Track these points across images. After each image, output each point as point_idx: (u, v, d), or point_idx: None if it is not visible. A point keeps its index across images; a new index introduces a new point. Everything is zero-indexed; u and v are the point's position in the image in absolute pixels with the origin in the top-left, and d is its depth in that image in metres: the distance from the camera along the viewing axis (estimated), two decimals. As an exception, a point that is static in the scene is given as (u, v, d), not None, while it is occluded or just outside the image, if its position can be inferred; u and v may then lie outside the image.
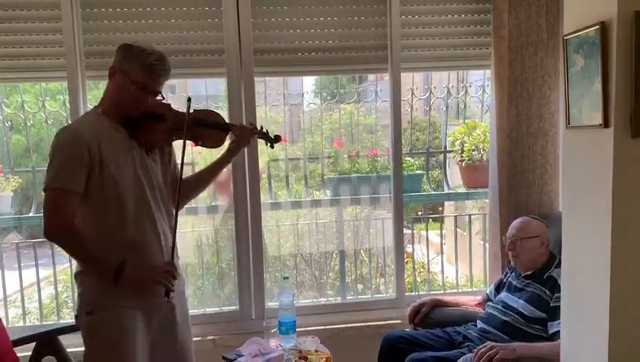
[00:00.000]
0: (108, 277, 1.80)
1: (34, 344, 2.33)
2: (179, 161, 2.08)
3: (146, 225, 1.91)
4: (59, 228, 1.79)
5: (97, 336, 1.87)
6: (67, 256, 3.17)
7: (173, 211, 1.99)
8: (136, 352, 1.88)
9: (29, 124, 3.18)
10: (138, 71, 1.86)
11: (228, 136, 2.19)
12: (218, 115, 2.20)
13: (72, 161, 1.78)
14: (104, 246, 1.84)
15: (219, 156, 2.24)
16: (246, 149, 2.69)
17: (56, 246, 2.01)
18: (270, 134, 2.29)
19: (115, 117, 1.90)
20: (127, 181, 1.87)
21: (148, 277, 1.89)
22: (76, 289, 1.94)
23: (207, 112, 2.19)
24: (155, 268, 1.90)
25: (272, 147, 2.33)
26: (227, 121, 2.27)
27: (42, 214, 1.80)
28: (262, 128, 2.30)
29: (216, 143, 2.15)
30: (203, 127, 2.08)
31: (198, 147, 2.23)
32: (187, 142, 2.01)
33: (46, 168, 1.83)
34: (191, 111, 2.02)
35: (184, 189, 2.04)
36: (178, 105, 2.09)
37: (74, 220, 1.79)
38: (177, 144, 2.08)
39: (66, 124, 1.89)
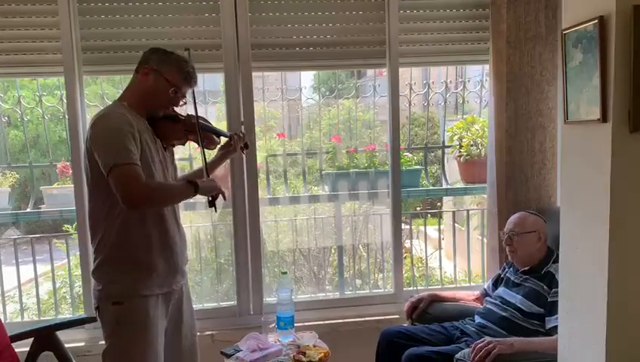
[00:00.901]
0: (189, 194, 2.00)
1: (32, 339, 2.33)
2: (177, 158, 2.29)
3: (169, 211, 2.05)
4: (139, 191, 1.85)
5: (126, 325, 1.94)
6: (65, 251, 3.22)
7: None
8: (159, 337, 2.01)
9: (26, 119, 3.17)
10: (177, 76, 2.02)
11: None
12: (207, 120, 2.33)
13: (128, 139, 1.86)
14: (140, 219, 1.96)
15: (211, 159, 2.35)
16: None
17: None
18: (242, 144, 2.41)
19: (140, 113, 2.02)
20: (157, 168, 2.00)
21: (213, 185, 2.09)
22: (95, 282, 1.99)
23: (204, 118, 2.30)
24: (213, 180, 2.12)
25: (242, 152, 2.47)
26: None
27: (118, 189, 1.83)
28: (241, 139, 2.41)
29: (214, 146, 2.29)
30: (207, 131, 2.22)
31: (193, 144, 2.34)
32: (189, 142, 2.22)
33: (99, 151, 1.87)
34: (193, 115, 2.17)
35: None
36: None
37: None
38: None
39: (100, 112, 1.98)
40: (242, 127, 2.70)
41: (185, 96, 2.11)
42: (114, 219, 1.92)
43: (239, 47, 2.71)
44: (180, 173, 2.33)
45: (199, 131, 2.12)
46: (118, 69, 2.71)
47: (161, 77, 2.00)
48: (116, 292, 1.94)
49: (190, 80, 2.06)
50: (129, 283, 1.94)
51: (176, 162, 2.28)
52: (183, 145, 2.26)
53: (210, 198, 2.09)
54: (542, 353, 2.03)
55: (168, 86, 2.01)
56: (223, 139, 2.32)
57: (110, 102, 2.14)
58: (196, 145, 2.32)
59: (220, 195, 2.12)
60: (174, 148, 2.28)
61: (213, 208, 2.11)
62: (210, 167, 2.29)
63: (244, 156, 2.69)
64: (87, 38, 2.63)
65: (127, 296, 1.94)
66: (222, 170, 3.00)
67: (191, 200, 2.38)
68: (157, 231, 1.99)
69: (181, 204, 2.23)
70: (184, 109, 2.20)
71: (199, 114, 2.20)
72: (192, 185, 2.00)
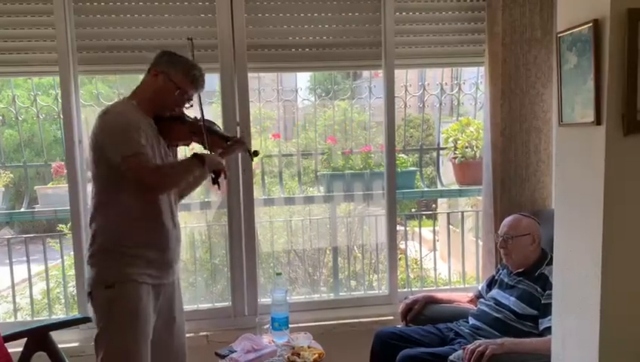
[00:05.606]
0: (196, 167, 2.05)
1: (25, 340, 2.31)
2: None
3: (166, 207, 2.11)
4: (151, 175, 1.97)
5: (117, 308, 1.99)
6: (59, 251, 3.21)
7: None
8: (150, 325, 2.05)
9: (20, 118, 3.16)
10: (183, 79, 2.09)
11: None
12: (216, 123, 2.35)
13: (135, 132, 1.96)
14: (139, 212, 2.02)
15: None
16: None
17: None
18: (251, 149, 2.41)
19: (147, 112, 2.09)
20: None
21: (218, 160, 2.15)
22: (89, 268, 2.04)
23: (212, 122, 2.33)
24: (218, 156, 2.17)
25: (251, 160, 2.52)
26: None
27: (136, 177, 1.95)
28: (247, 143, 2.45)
29: (218, 149, 2.29)
30: (212, 133, 2.25)
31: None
32: (195, 143, 2.26)
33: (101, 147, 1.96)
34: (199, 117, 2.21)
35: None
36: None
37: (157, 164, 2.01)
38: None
39: (107, 108, 2.07)
40: (238, 128, 2.70)
41: (191, 99, 2.17)
42: (114, 208, 2.00)
43: (235, 47, 2.71)
44: None
45: (205, 133, 2.17)
46: (113, 69, 2.71)
47: (169, 79, 2.07)
48: (109, 276, 2.00)
49: (197, 83, 2.13)
50: (122, 269, 1.99)
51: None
52: (188, 145, 2.32)
53: (213, 176, 2.15)
54: (533, 353, 2.04)
55: (174, 88, 2.08)
56: None
57: (105, 102, 2.16)
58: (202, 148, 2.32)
59: (223, 174, 2.17)
60: (179, 149, 2.32)
61: (217, 186, 2.18)
62: None
63: (252, 160, 2.66)
64: (82, 38, 2.62)
65: (119, 279, 1.99)
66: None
67: (185, 199, 2.37)
68: (153, 224, 2.06)
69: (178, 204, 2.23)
70: (194, 111, 2.22)
71: (208, 117, 2.24)
72: (198, 157, 2.07)
